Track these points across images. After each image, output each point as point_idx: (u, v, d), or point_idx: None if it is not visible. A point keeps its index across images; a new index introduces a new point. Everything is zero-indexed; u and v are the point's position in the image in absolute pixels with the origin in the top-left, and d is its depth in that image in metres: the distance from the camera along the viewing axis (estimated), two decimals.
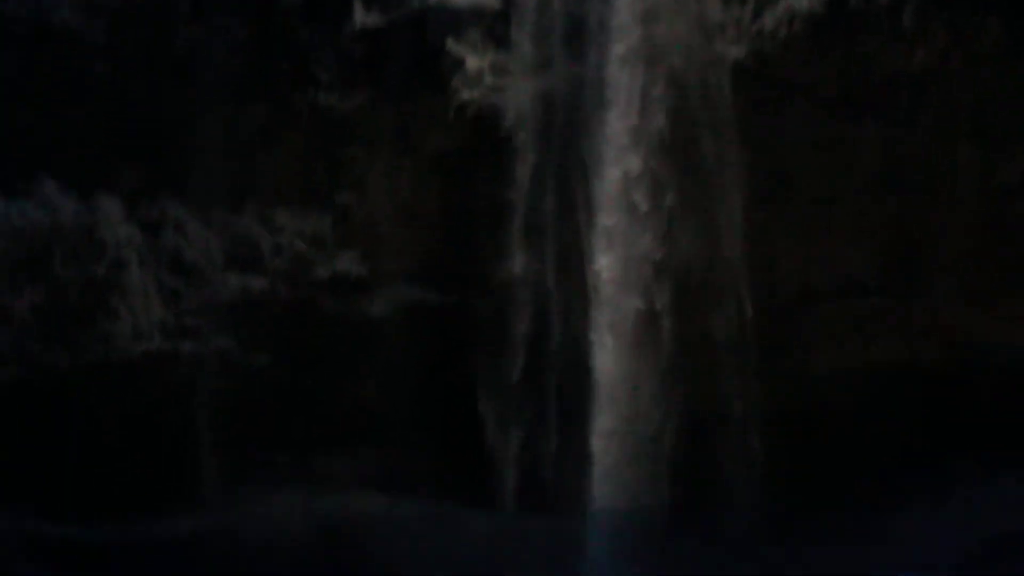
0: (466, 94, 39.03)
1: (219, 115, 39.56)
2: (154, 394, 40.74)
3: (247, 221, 40.35)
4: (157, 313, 41.10)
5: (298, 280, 40.56)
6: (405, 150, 39.60)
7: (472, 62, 38.84)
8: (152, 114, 39.79)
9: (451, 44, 38.88)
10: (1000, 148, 36.18)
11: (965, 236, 36.62)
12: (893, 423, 37.48)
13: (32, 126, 39.88)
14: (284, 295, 40.67)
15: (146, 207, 40.17)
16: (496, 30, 38.74)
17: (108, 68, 39.81)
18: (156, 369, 40.62)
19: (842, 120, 37.44)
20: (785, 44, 37.28)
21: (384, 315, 40.67)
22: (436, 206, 39.79)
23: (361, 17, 38.99)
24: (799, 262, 38.37)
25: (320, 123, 39.71)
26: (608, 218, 38.05)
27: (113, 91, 39.65)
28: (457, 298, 40.39)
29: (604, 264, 38.01)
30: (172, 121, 39.74)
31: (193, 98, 39.57)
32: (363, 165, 39.90)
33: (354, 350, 40.82)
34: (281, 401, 40.74)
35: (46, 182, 40.53)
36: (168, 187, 40.13)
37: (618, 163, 38.18)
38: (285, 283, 40.62)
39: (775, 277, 38.40)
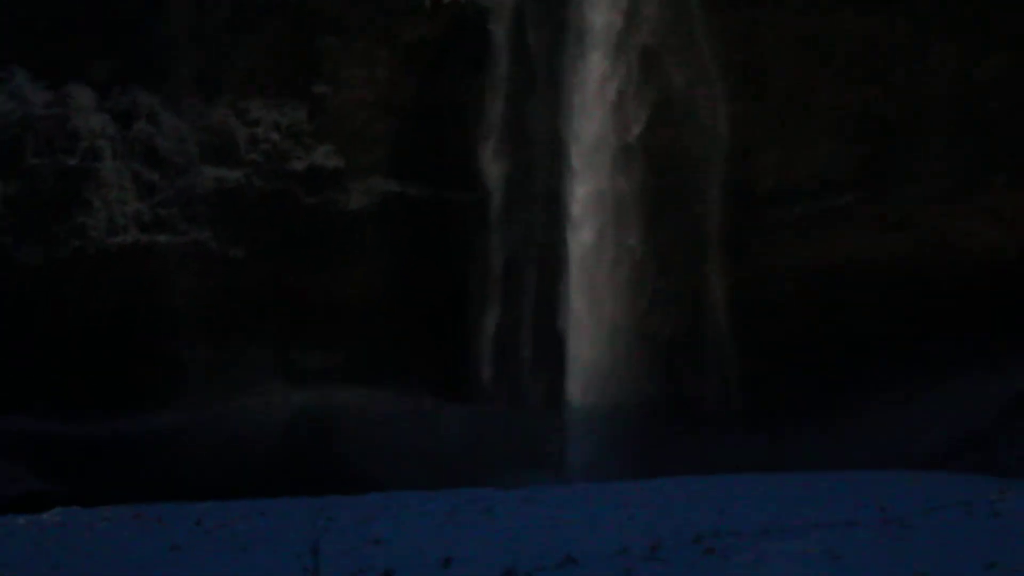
0: None
1: (191, 4, 39.37)
2: (130, 287, 40.93)
3: (222, 112, 40.33)
4: (132, 205, 41.02)
5: (274, 172, 40.62)
6: (382, 40, 39.40)
7: None
8: (122, 4, 39.54)
9: None
10: (976, 45, 35.87)
11: (940, 132, 36.39)
12: (866, 316, 37.62)
13: (1, 17, 39.81)
14: (260, 187, 40.68)
15: (118, 96, 40.14)
16: None
17: None
18: (132, 261, 40.78)
19: (820, 13, 37.07)
20: None
21: (361, 208, 40.78)
22: (412, 97, 39.64)
23: None
24: (776, 156, 38.32)
25: (295, 11, 39.58)
26: (583, 105, 38.03)
27: None
28: (434, 190, 40.44)
29: (579, 149, 38.06)
30: (142, 8, 39.51)
31: None
32: (339, 55, 39.76)
33: (331, 243, 41.00)
34: (258, 294, 41.10)
35: (16, 72, 40.37)
36: (140, 77, 40.06)
37: (595, 55, 38.13)
38: (261, 175, 40.69)
39: (752, 172, 38.38)
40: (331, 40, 39.21)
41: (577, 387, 38.89)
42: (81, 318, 40.97)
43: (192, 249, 40.45)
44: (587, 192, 37.90)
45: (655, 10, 37.38)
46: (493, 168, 39.34)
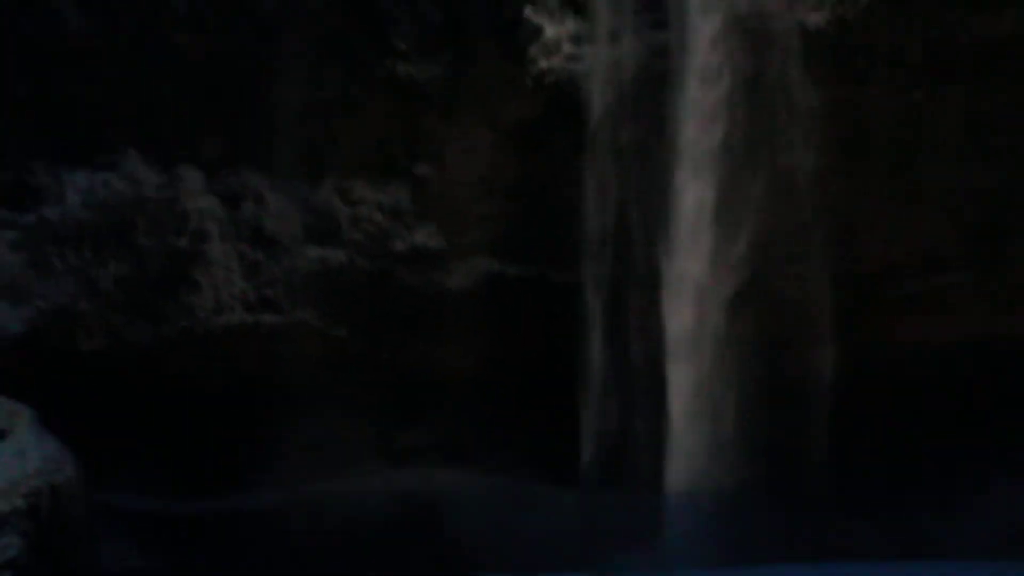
0: (543, 63, 38.81)
1: (298, 85, 39.63)
2: (235, 366, 41.28)
3: (326, 193, 40.50)
4: (238, 285, 41.59)
5: (376, 252, 40.73)
6: (482, 120, 39.43)
7: (550, 30, 38.64)
8: (232, 84, 40.04)
9: (529, 12, 38.64)
10: None
11: None
12: (978, 397, 36.76)
13: (116, 97, 40.27)
14: (363, 267, 40.93)
15: (226, 178, 40.49)
16: None
17: (190, 38, 39.87)
18: (237, 341, 41.03)
19: (925, 88, 36.73)
20: (867, 9, 36.61)
21: (462, 287, 40.81)
22: (513, 177, 39.58)
23: None
24: (881, 233, 37.86)
25: (399, 93, 39.59)
26: (685, 187, 37.82)
27: (195, 60, 39.78)
28: (535, 270, 40.48)
29: (680, 236, 37.81)
30: (252, 91, 39.94)
31: (273, 68, 39.62)
32: (441, 136, 39.80)
33: (432, 322, 41.02)
34: (360, 372, 41.13)
35: (130, 154, 41.11)
36: (248, 158, 40.39)
37: (698, 132, 37.93)
38: (363, 255, 40.83)
39: (856, 250, 37.91)
40: (434, 120, 39.38)
41: (679, 469, 38.45)
42: (186, 397, 41.23)
43: (296, 328, 40.64)
44: (683, 264, 37.73)
45: (765, 86, 37.31)
46: (593, 248, 39.19)
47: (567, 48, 38.95)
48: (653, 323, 38.36)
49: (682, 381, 37.73)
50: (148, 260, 41.10)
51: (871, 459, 36.98)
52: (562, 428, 39.82)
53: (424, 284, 40.79)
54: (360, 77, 40.00)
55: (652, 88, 38.20)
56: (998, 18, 35.96)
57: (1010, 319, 37.61)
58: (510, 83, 39.36)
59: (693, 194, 38.01)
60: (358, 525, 40.11)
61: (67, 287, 41.06)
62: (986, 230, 37.13)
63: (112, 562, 37.99)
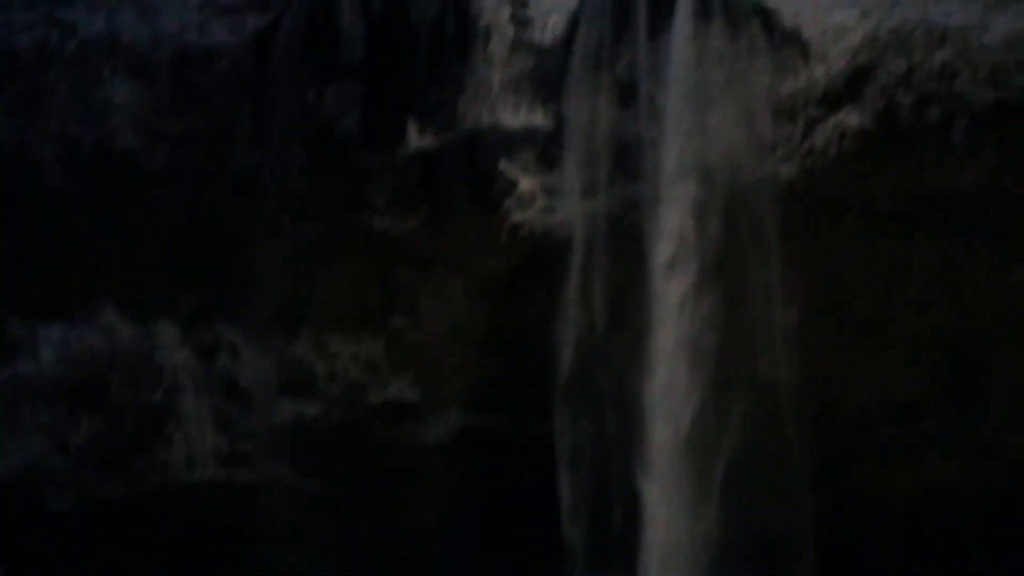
0: (518, 216, 39.09)
1: (275, 239, 39.83)
2: (208, 521, 40.92)
3: (302, 346, 40.59)
4: (211, 440, 41.38)
5: (352, 406, 40.68)
6: (457, 272, 39.66)
7: (525, 184, 39.01)
8: (209, 238, 40.41)
9: (504, 165, 39.14)
10: None
11: (1022, 357, 36.03)
12: (956, 546, 36.37)
13: (94, 251, 40.66)
14: (338, 421, 40.78)
15: (202, 332, 40.76)
16: (548, 152, 38.89)
17: (168, 192, 40.48)
18: (210, 496, 40.82)
19: (895, 238, 37.08)
20: (836, 162, 37.08)
21: (438, 441, 40.60)
22: (488, 329, 39.72)
23: (415, 140, 39.45)
24: (854, 384, 37.90)
25: (375, 246, 39.90)
26: (660, 337, 37.69)
27: (172, 215, 40.32)
28: (512, 423, 40.23)
29: (658, 381, 37.55)
30: (228, 245, 40.21)
31: (249, 223, 39.86)
32: (416, 288, 40.01)
33: (408, 476, 40.63)
34: (336, 528, 40.49)
35: (106, 308, 41.31)
36: (224, 311, 40.58)
37: (670, 282, 37.90)
38: (339, 409, 40.75)
39: (830, 400, 37.93)
40: (409, 273, 39.62)
41: None
42: (158, 553, 40.91)
43: (269, 483, 40.26)
44: (664, 418, 37.42)
45: (736, 236, 37.32)
46: (567, 402, 38.71)
47: (541, 201, 39.23)
48: (629, 482, 37.91)
49: (660, 539, 37.11)
50: (122, 415, 41.09)
51: None
52: None
53: (399, 438, 40.53)
54: (336, 232, 40.31)
55: (626, 241, 38.35)
56: (960, 170, 36.43)
57: (984, 467, 37.51)
58: (485, 235, 39.58)
59: (670, 341, 37.84)
60: None
61: (38, 444, 40.83)
62: (958, 379, 37.25)
63: None
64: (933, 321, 36.98)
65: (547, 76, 39.85)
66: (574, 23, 40.06)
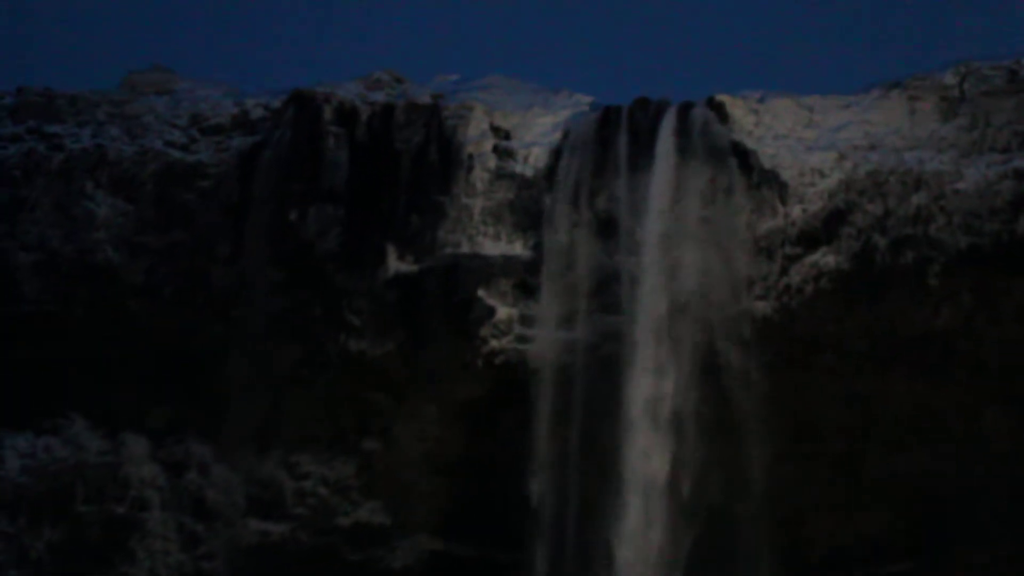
0: (494, 343, 39.18)
1: (250, 357, 39.75)
2: None
3: (272, 465, 40.01)
4: (175, 556, 40.29)
5: (319, 527, 39.83)
6: (432, 397, 39.43)
7: (502, 312, 39.17)
8: (184, 353, 40.12)
9: (482, 293, 39.31)
10: None
11: (998, 494, 35.60)
12: None
13: (66, 363, 40.28)
14: (305, 542, 39.76)
15: (172, 446, 40.14)
16: (526, 280, 39.23)
17: (145, 306, 40.44)
18: None
19: (869, 377, 37.04)
20: (811, 300, 37.47)
21: (405, 566, 39.57)
22: (460, 454, 39.24)
23: (395, 264, 39.64)
24: (827, 521, 37.36)
25: (350, 368, 39.81)
26: (633, 469, 37.53)
27: (148, 329, 40.16)
28: (479, 550, 39.34)
29: (628, 514, 37.34)
30: (203, 361, 39.96)
31: (226, 339, 39.90)
32: (390, 412, 39.73)
33: None
34: None
35: (75, 419, 40.52)
36: (195, 427, 40.10)
37: (644, 417, 37.83)
38: (306, 530, 39.82)
39: (804, 537, 37.37)
40: (382, 397, 39.34)
41: None
42: None
43: None
44: (635, 554, 37.15)
45: (712, 372, 37.59)
46: (537, 528, 38.38)
47: (518, 329, 39.38)
48: None
49: None
50: (85, 528, 40.02)
51: None
52: None
53: (367, 562, 39.50)
54: (312, 352, 40.23)
55: (602, 371, 38.36)
56: (935, 312, 36.69)
57: None
58: (461, 361, 39.58)
59: (644, 475, 37.77)
60: None
61: None
62: (930, 519, 36.81)
63: None
64: (905, 460, 36.69)
65: (527, 206, 40.50)
66: (556, 156, 40.89)
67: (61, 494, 39.55)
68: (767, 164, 38.47)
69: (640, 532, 37.42)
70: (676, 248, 38.73)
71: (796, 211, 37.97)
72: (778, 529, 36.87)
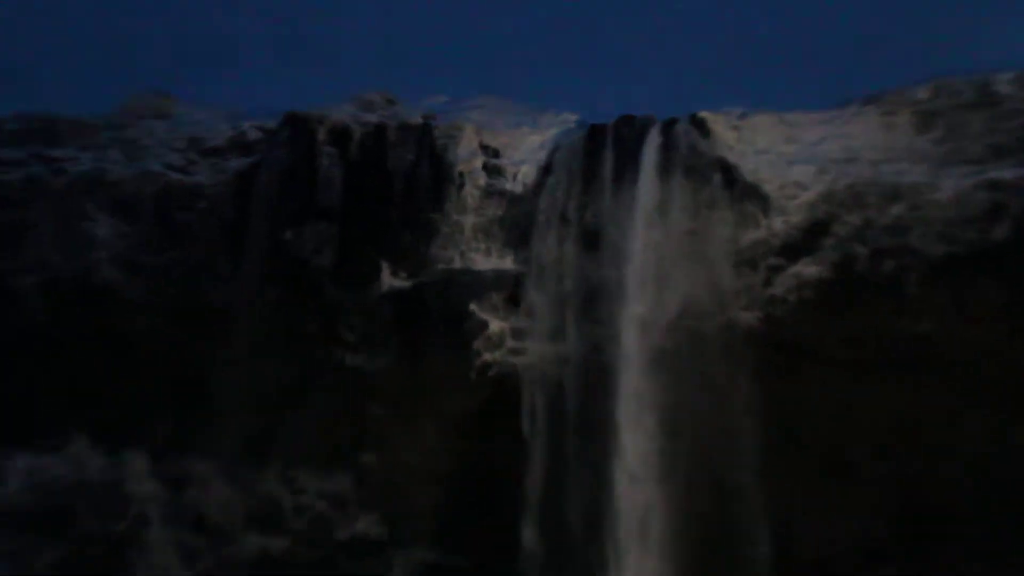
0: (488, 356, 39.51)
1: (248, 373, 40.01)
2: None
3: (270, 480, 40.17)
4: (175, 572, 40.20)
5: (318, 541, 40.01)
6: (427, 410, 39.66)
7: (494, 325, 39.54)
8: (183, 370, 40.39)
9: (474, 307, 39.69)
10: (1007, 409, 35.92)
11: (978, 495, 35.95)
12: None
13: (68, 381, 40.53)
14: (304, 556, 39.90)
15: (172, 463, 40.21)
16: (518, 294, 39.60)
17: (144, 324, 40.76)
18: None
19: (853, 383, 37.30)
20: (795, 309, 37.85)
21: None
22: (456, 467, 39.44)
23: (388, 280, 40.10)
24: (816, 525, 37.46)
25: (346, 382, 40.16)
26: (624, 483, 37.82)
27: (148, 347, 40.44)
28: (474, 561, 39.43)
29: (624, 522, 37.68)
30: (202, 378, 40.22)
31: (224, 356, 40.14)
32: (386, 425, 39.93)
33: None
34: None
35: (76, 438, 40.51)
36: (195, 444, 40.20)
37: (634, 427, 38.10)
38: (305, 544, 40.00)
39: (793, 541, 37.44)
40: (380, 410, 39.62)
41: None
42: None
43: None
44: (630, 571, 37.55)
45: (700, 382, 37.80)
46: (533, 538, 38.63)
47: (510, 342, 39.70)
48: None
49: None
50: (86, 545, 40.14)
51: None
52: None
53: (365, 574, 39.59)
54: (308, 367, 40.53)
55: (593, 381, 38.69)
56: (917, 319, 37.03)
57: None
58: (455, 374, 39.79)
59: (636, 482, 38.00)
60: None
61: (1, 571, 39.95)
62: (915, 520, 36.91)
63: None
64: (890, 464, 36.90)
65: (517, 222, 41.06)
66: (544, 173, 41.48)
67: (63, 512, 39.61)
68: (749, 178, 39.00)
69: (633, 540, 37.70)
70: (662, 260, 39.15)
71: (778, 223, 38.45)
72: (768, 534, 37.00)
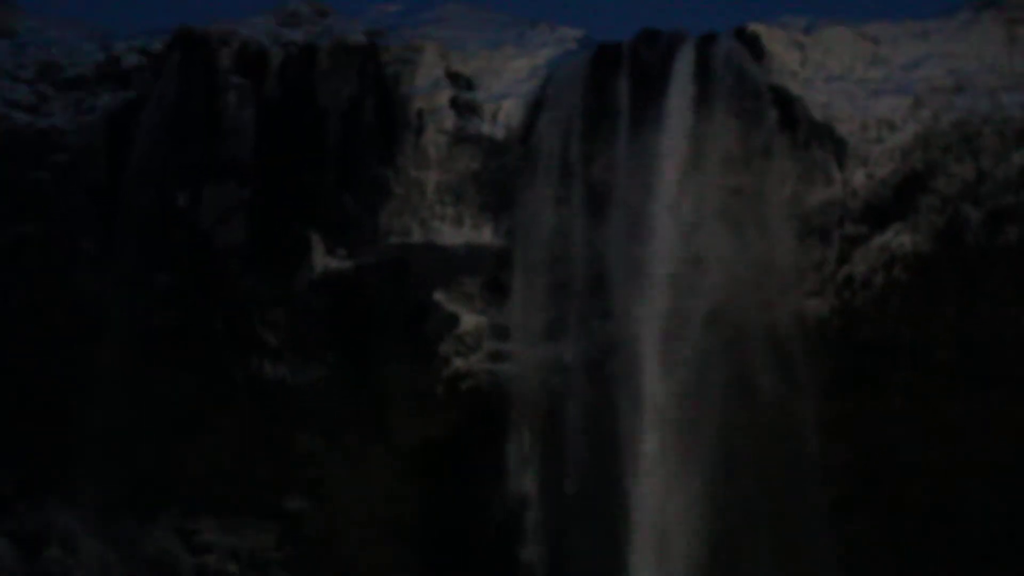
0: (459, 363, 33.00)
1: (127, 391, 33.10)
2: None
3: (161, 535, 32.99)
4: None
5: None
6: (377, 438, 32.86)
7: (468, 321, 33.14)
8: (38, 392, 33.68)
9: (440, 297, 33.01)
10: None
11: None
12: None
13: None
14: None
15: (23, 515, 32.94)
16: (499, 279, 33.29)
17: None
18: None
19: (960, 395, 30.84)
20: (882, 296, 31.32)
21: None
22: (417, 515, 32.33)
23: (322, 260, 33.94)
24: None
25: (265, 402, 33.41)
26: (650, 543, 30.27)
27: None
28: None
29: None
30: (64, 400, 33.68)
31: (93, 368, 33.11)
32: (321, 459, 33.10)
33: None
34: None
35: None
36: (53, 491, 33.18)
37: (661, 462, 30.58)
38: None
39: None
40: (310, 439, 32.73)
41: None
42: None
43: None
44: None
45: (749, 398, 30.65)
46: None
47: (490, 344, 33.05)
48: None
49: None
50: None
51: None
52: None
53: None
54: (213, 382, 33.84)
55: (602, 398, 31.26)
56: None
57: None
58: (415, 390, 33.29)
59: (659, 538, 30.44)
60: None
61: None
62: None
63: None
64: (1015, 507, 30.74)
65: (498, 180, 34.12)
66: (534, 111, 34.42)
67: None
68: (818, 115, 32.58)
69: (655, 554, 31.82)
70: (697, 231, 32.67)
71: (859, 177, 32.15)
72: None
